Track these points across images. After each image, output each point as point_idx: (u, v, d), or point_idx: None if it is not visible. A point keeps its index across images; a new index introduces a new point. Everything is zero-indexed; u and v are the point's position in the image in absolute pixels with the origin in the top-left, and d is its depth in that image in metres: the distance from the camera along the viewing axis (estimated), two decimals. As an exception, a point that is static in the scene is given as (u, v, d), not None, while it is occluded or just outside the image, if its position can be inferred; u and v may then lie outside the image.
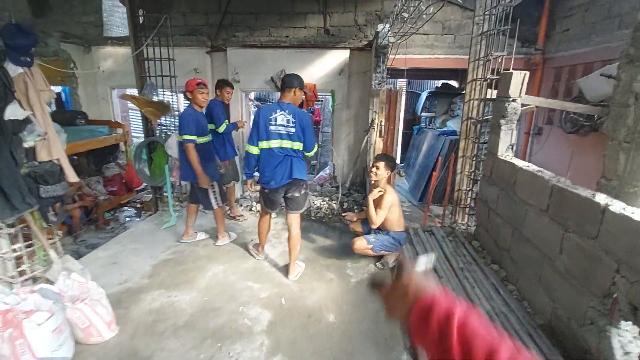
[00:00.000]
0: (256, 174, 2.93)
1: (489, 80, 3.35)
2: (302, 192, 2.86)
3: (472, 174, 3.61)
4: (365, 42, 4.90)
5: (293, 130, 2.69)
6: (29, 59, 2.73)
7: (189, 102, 3.30)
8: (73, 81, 5.34)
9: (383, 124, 3.48)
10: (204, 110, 3.39)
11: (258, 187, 3.01)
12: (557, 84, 4.67)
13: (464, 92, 6.21)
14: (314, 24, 5.07)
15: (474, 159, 3.58)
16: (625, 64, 2.44)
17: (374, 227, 2.99)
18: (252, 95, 5.86)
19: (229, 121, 4.18)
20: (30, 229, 2.89)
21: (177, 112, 4.27)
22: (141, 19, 4.04)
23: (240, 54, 4.92)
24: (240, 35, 5.14)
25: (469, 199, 3.69)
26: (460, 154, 3.71)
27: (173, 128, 4.30)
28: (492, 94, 3.30)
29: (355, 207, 4.29)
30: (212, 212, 3.57)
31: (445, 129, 5.39)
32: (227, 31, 5.17)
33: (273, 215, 3.83)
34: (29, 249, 2.92)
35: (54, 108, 5.59)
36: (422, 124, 6.28)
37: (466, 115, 3.64)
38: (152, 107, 3.89)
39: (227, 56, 4.93)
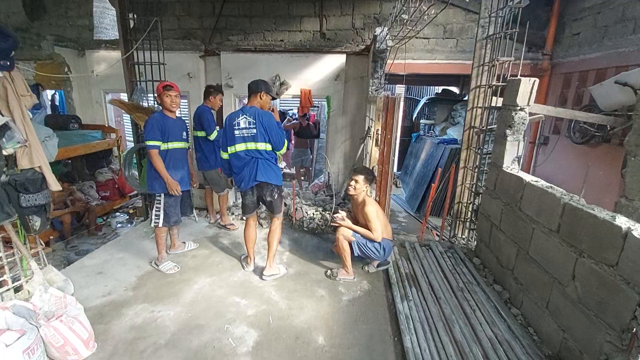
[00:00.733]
0: None
1: (494, 87, 3.17)
2: (275, 195, 2.89)
3: (474, 186, 3.43)
4: (363, 47, 4.75)
5: (254, 131, 2.73)
6: (8, 62, 2.62)
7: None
8: (67, 85, 5.27)
9: (380, 132, 3.32)
10: (175, 115, 3.11)
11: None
12: (566, 91, 4.46)
13: (465, 98, 6.06)
14: (309, 27, 4.93)
15: (476, 170, 3.40)
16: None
17: (376, 239, 2.86)
18: (246, 100, 5.73)
19: (220, 127, 4.06)
20: (11, 240, 2.79)
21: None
22: (132, 22, 3.92)
23: (234, 58, 4.80)
24: (235, 39, 5.02)
25: (469, 212, 3.51)
26: (461, 164, 3.53)
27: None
28: (497, 101, 3.12)
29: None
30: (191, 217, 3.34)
31: (445, 137, 5.20)
32: (222, 35, 5.06)
33: (265, 225, 3.69)
34: (10, 259, 2.81)
35: (48, 112, 5.53)
36: (421, 132, 6.09)
37: (469, 124, 3.46)
38: (141, 113, 3.77)
39: (221, 60, 4.81)
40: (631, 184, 2.37)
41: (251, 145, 2.76)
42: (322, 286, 2.96)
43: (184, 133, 3.18)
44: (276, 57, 4.71)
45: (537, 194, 2.33)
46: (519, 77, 2.70)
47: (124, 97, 4.70)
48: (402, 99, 3.03)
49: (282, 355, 2.20)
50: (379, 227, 2.83)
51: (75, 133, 4.58)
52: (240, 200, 4.76)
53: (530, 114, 2.80)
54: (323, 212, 4.01)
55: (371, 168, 3.66)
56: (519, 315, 2.42)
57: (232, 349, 2.24)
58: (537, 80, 2.69)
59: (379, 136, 3.46)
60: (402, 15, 2.92)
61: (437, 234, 3.75)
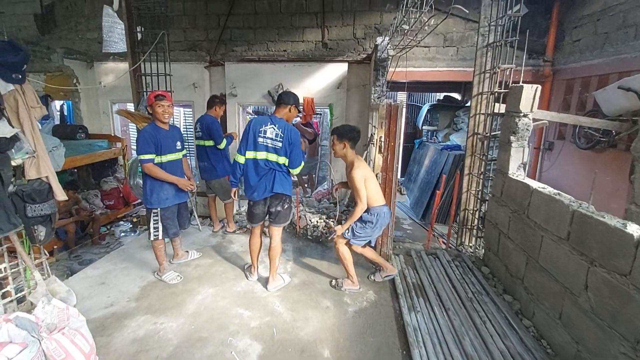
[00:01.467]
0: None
1: (496, 94, 3.17)
2: (286, 206, 2.86)
3: (480, 193, 3.40)
4: (364, 56, 4.80)
5: (280, 144, 2.71)
6: (20, 75, 2.67)
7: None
8: (75, 96, 5.36)
9: (383, 139, 3.32)
10: (167, 126, 2.97)
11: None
12: (569, 96, 4.45)
13: (467, 105, 6.07)
14: (312, 37, 5.01)
15: (482, 176, 3.37)
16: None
17: (363, 206, 2.70)
18: (250, 109, 5.79)
19: (225, 135, 4.10)
20: (16, 250, 2.79)
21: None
22: (140, 35, 4.00)
23: (238, 68, 4.87)
24: (239, 50, 5.10)
25: (476, 219, 3.46)
26: (466, 171, 3.51)
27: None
28: (499, 108, 3.12)
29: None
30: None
31: (448, 143, 5.19)
32: (226, 46, 5.15)
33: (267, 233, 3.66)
34: (14, 270, 2.81)
35: (57, 122, 5.61)
36: (424, 138, 6.08)
37: (472, 131, 3.45)
38: (147, 123, 3.80)
39: (225, 70, 4.88)
40: (639, 191, 2.33)
41: (272, 157, 2.73)
42: (328, 296, 2.91)
43: (179, 143, 3.07)
44: (279, 67, 4.78)
45: (544, 201, 2.29)
46: (520, 83, 2.70)
47: (130, 107, 4.77)
48: (404, 107, 3.04)
49: (287, 369, 2.15)
50: (364, 192, 2.65)
51: (82, 143, 4.63)
52: (243, 209, 4.76)
53: (534, 120, 2.79)
54: (327, 220, 3.98)
55: (375, 175, 3.65)
56: (531, 327, 2.36)
57: (235, 363, 2.20)
58: (540, 86, 2.69)
59: (382, 143, 3.45)
60: (403, 26, 2.95)
61: (443, 242, 3.70)
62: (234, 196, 3.00)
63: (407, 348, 2.25)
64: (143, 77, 4.10)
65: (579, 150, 4.07)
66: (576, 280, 1.94)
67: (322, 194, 4.82)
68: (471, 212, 3.52)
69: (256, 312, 2.70)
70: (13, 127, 2.64)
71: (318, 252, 3.71)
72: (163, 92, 2.99)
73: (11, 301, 2.78)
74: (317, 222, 3.95)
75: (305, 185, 6.27)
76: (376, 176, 3.53)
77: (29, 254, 2.87)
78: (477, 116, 3.40)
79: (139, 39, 4.08)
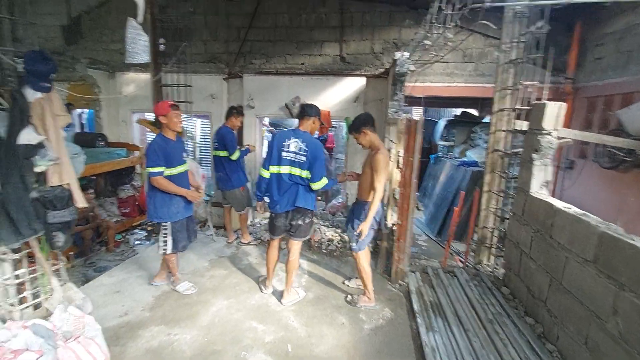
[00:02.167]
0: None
1: (517, 111, 3.13)
2: (307, 220, 2.83)
3: (500, 210, 3.32)
4: (382, 70, 4.83)
5: (304, 158, 2.69)
6: (47, 84, 2.75)
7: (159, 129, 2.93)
8: (96, 104, 5.51)
9: (401, 154, 3.30)
10: (174, 137, 2.94)
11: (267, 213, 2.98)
12: (591, 115, 4.37)
13: (485, 120, 6.02)
14: (330, 51, 5.07)
15: (501, 194, 3.30)
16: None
17: (381, 193, 2.66)
18: (266, 121, 5.84)
19: (241, 147, 4.13)
20: (34, 255, 2.82)
21: (190, 137, 4.25)
22: (162, 47, 4.12)
23: (256, 80, 4.95)
24: (257, 63, 5.19)
25: (495, 238, 3.38)
26: (485, 188, 3.44)
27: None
28: (521, 125, 3.07)
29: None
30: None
31: (465, 159, 5.13)
32: (245, 58, 5.25)
33: (283, 246, 3.65)
34: (32, 275, 2.84)
35: (77, 130, 5.76)
36: (440, 153, 6.03)
37: (492, 147, 3.40)
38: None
39: (243, 82, 4.96)
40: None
41: (296, 171, 2.72)
42: (343, 312, 2.86)
43: (184, 153, 3.06)
44: (297, 80, 4.83)
45: (569, 221, 2.22)
46: (543, 100, 2.66)
47: (150, 117, 4.86)
48: (422, 122, 3.02)
49: (302, 387, 2.10)
50: (384, 177, 2.64)
51: (102, 150, 4.72)
52: (257, 220, 4.76)
53: (559, 138, 2.74)
54: (342, 234, 3.94)
55: (392, 190, 3.62)
56: (554, 352, 2.26)
57: (249, 379, 2.16)
58: (564, 104, 2.65)
59: (400, 158, 3.43)
60: (425, 42, 2.96)
61: (460, 260, 3.61)
62: (259, 210, 2.98)
63: (427, 371, 2.18)
64: (163, 88, 4.19)
65: (601, 170, 3.96)
66: (603, 304, 1.86)
67: (337, 208, 4.79)
68: (490, 230, 3.44)
69: (270, 326, 2.67)
70: (39, 135, 2.71)
71: (333, 267, 3.66)
72: (174, 102, 3.00)
73: (27, 307, 2.81)
74: (331, 235, 3.92)
75: (319, 198, 6.25)
76: (393, 191, 3.51)
77: (47, 260, 2.91)
78: (497, 133, 3.36)
79: (161, 50, 4.19)
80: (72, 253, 4.57)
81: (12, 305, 2.68)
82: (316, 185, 2.73)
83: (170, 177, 2.85)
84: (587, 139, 3.12)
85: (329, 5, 5.04)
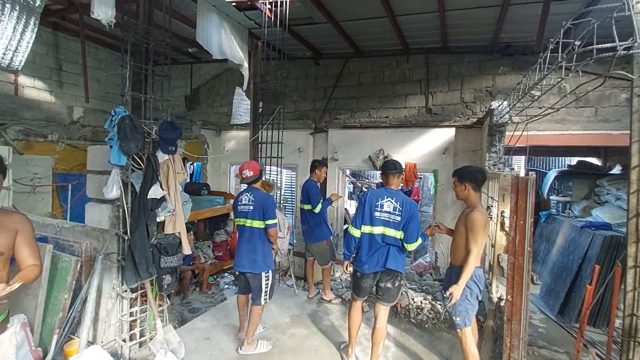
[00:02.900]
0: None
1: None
2: (396, 283, 2.70)
3: (656, 293, 2.52)
4: (475, 120, 4.52)
5: (399, 218, 2.62)
6: (173, 148, 3.27)
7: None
8: (204, 158, 6.41)
9: (507, 215, 2.86)
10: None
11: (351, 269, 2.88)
12: None
13: (612, 172, 4.97)
14: (415, 103, 5.03)
15: (657, 271, 2.52)
16: None
17: (479, 253, 2.41)
18: (348, 172, 5.93)
19: (324, 198, 4.18)
20: (147, 296, 3.17)
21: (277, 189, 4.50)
22: (260, 109, 4.65)
23: (340, 134, 5.14)
24: (342, 118, 5.44)
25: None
26: (630, 262, 2.67)
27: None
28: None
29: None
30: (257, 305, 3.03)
31: (590, 219, 4.20)
32: (330, 114, 5.58)
33: (366, 309, 3.39)
34: (142, 314, 3.17)
35: (187, 180, 6.72)
36: (552, 210, 5.08)
37: (634, 211, 2.70)
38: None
39: (328, 136, 5.20)
40: None
41: (390, 232, 2.64)
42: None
43: None
44: (380, 133, 4.86)
45: None
46: None
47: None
48: (534, 180, 2.60)
49: None
50: (482, 238, 2.38)
51: (204, 198, 5.35)
52: (337, 274, 4.62)
53: None
54: (433, 302, 3.49)
55: (496, 256, 3.13)
56: None
57: None
58: None
59: (505, 219, 2.99)
60: (533, 92, 2.66)
61: (597, 355, 2.79)
62: (346, 269, 2.90)
63: None
64: (259, 145, 4.65)
65: None
66: None
67: (424, 267, 4.35)
68: (641, 318, 2.60)
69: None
70: (162, 190, 3.18)
71: (424, 341, 3.20)
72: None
73: (135, 344, 3.11)
74: (421, 302, 3.50)
75: (408, 257, 5.86)
76: (498, 258, 3.03)
77: (155, 300, 3.23)
78: None
79: (259, 112, 4.74)
80: (173, 291, 5.06)
81: (124, 341, 3.00)
82: (411, 247, 2.61)
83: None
84: None
85: (412, 61, 5.12)
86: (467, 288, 2.45)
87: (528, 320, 2.57)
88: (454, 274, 2.56)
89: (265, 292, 3.03)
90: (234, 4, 3.97)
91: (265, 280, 3.03)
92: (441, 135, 4.52)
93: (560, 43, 2.12)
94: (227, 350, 3.08)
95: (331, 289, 4.21)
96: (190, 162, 7.11)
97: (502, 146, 3.63)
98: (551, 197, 5.28)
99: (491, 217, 3.26)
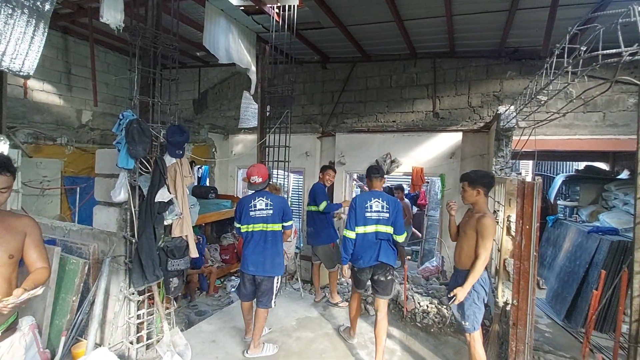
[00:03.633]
0: None
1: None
2: (389, 277, 2.93)
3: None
4: (482, 124, 4.49)
5: (387, 215, 2.90)
6: (181, 152, 3.30)
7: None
8: (212, 162, 6.46)
9: (513, 220, 2.83)
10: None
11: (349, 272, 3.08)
12: None
13: (620, 177, 4.89)
14: (422, 108, 5.03)
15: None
16: None
17: (487, 259, 2.44)
18: (355, 176, 5.93)
19: (331, 202, 4.19)
20: (154, 299, 3.19)
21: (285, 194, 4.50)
22: (268, 113, 4.67)
23: (347, 138, 5.14)
24: (349, 122, 5.45)
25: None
26: (637, 268, 2.63)
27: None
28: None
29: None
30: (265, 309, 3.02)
31: (597, 224, 4.14)
32: (337, 118, 5.59)
33: (372, 313, 3.37)
34: (149, 317, 3.19)
35: (194, 183, 6.76)
36: (560, 215, 5.02)
37: (643, 216, 2.64)
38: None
39: (336, 140, 5.21)
40: None
41: (382, 228, 2.90)
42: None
43: None
44: (388, 137, 4.85)
45: None
46: None
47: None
48: (540, 185, 2.57)
49: None
50: (491, 243, 2.41)
51: (211, 202, 5.36)
52: (343, 279, 4.60)
53: None
54: (439, 307, 3.46)
55: (502, 260, 3.09)
56: None
57: None
58: None
59: (511, 224, 2.95)
60: (539, 97, 2.64)
61: (606, 362, 2.74)
62: (344, 273, 3.04)
63: None
64: (267, 148, 4.67)
65: None
66: None
67: (430, 272, 4.32)
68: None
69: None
70: (170, 193, 3.21)
71: (430, 345, 3.18)
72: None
73: (142, 346, 3.12)
74: (427, 306, 3.47)
75: (409, 257, 5.84)
76: (504, 262, 3.00)
77: (162, 303, 3.25)
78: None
79: (267, 116, 4.77)
80: (180, 294, 5.08)
81: (131, 343, 3.02)
82: (400, 238, 2.91)
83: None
84: None
85: (419, 66, 5.11)
86: (474, 291, 2.44)
87: (534, 324, 2.53)
88: (460, 278, 2.54)
89: (276, 294, 3.10)
90: (242, 8, 4.01)
91: (277, 282, 3.09)
92: (448, 140, 4.49)
93: (566, 48, 2.10)
94: (233, 353, 3.09)
95: (338, 292, 4.19)
96: (198, 166, 7.17)
97: (509, 151, 3.60)
98: (559, 202, 5.22)
99: (497, 222, 3.23)
